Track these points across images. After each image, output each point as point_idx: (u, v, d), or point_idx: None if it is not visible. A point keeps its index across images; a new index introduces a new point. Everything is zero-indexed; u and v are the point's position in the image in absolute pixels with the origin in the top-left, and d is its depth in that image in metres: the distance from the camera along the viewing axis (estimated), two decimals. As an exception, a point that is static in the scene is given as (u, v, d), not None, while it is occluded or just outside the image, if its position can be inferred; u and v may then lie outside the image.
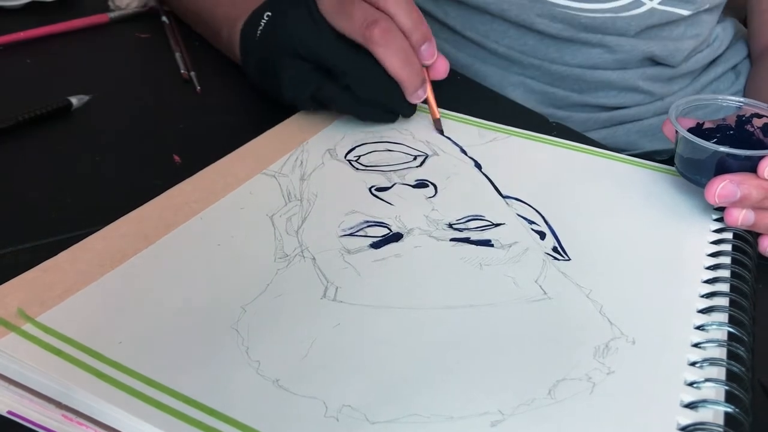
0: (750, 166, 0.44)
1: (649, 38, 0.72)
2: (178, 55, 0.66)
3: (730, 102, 0.51)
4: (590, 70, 0.73)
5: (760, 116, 0.49)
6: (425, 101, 0.54)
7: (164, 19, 0.73)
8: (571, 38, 0.71)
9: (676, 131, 0.47)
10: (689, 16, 0.73)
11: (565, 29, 0.71)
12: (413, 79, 0.51)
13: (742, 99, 0.51)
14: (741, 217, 0.44)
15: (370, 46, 0.49)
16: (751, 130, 0.49)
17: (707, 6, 0.75)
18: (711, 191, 0.44)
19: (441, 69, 0.53)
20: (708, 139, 0.47)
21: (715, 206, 0.45)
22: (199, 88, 0.61)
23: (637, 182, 0.51)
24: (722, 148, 0.45)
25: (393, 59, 0.50)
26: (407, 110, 0.54)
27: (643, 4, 0.71)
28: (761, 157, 0.44)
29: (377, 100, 0.53)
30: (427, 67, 0.53)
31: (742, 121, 0.49)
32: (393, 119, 0.55)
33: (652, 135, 0.76)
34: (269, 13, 0.54)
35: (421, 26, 0.51)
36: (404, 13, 0.50)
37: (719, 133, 0.49)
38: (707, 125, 0.49)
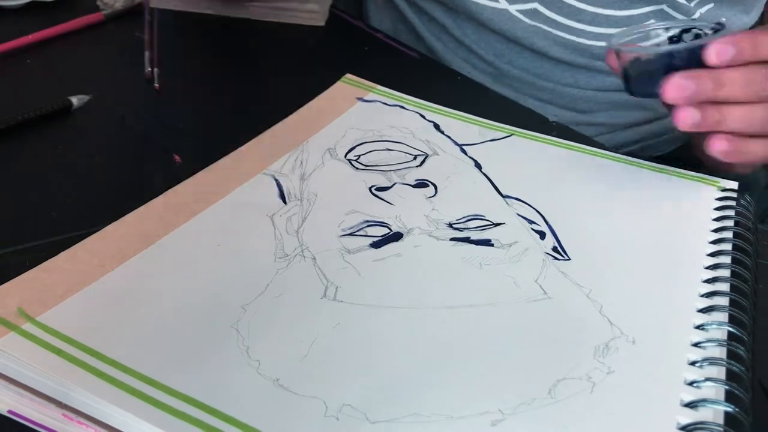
0: (695, 63, 0.45)
1: None
2: (147, 53, 0.65)
3: (658, 27, 0.52)
4: (603, 92, 0.74)
5: (688, 30, 0.51)
6: None
7: (147, 16, 0.72)
8: (586, 65, 0.73)
9: (619, 55, 0.48)
10: None
11: (579, 57, 0.72)
12: None
13: (667, 22, 0.53)
14: (690, 116, 0.45)
15: None
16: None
17: None
18: (666, 90, 0.45)
19: None
20: None
21: (670, 102, 0.46)
22: (157, 85, 0.60)
23: (637, 182, 0.51)
24: (666, 48, 0.47)
25: None
26: None
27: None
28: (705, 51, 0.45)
29: None
30: None
31: (673, 40, 0.51)
32: None
33: (655, 137, 0.77)
34: None
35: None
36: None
37: None
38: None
